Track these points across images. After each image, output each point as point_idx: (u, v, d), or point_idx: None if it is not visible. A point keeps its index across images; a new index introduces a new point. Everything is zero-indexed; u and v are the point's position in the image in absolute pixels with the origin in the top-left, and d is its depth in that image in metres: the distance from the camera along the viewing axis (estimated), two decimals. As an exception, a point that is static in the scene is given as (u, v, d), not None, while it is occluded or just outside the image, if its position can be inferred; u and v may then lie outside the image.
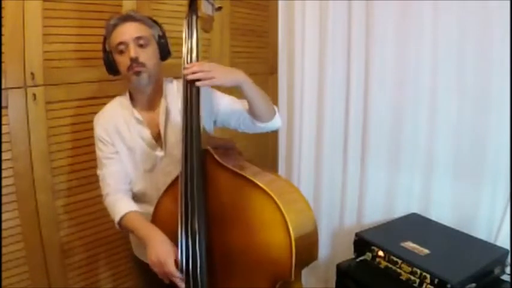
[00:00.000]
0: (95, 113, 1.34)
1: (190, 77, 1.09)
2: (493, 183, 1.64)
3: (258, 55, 2.32)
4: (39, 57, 1.42)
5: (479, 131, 1.66)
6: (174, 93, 1.32)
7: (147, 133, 1.30)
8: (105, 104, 1.36)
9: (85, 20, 1.53)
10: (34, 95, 1.42)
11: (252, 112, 1.28)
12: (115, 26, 1.23)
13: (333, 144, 2.18)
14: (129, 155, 1.31)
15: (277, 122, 1.35)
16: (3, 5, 1.32)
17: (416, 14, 1.78)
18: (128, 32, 1.22)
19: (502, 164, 1.59)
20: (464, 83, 1.68)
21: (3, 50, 1.33)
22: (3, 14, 1.32)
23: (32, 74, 1.41)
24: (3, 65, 1.34)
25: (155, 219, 1.22)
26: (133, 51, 1.20)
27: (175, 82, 1.35)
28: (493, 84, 1.60)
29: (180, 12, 1.68)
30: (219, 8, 1.20)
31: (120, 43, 1.22)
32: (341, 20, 2.05)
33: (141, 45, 1.22)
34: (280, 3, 2.32)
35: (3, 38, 1.33)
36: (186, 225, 1.10)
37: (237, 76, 1.16)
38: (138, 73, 1.22)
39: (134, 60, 1.20)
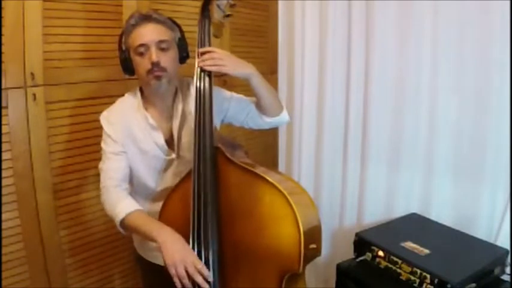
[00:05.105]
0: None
1: (201, 64, 1.13)
2: (493, 183, 1.64)
3: (258, 55, 2.32)
4: (39, 57, 1.42)
5: (479, 131, 1.66)
6: (189, 94, 1.30)
7: (161, 139, 1.27)
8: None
9: (85, 20, 1.53)
10: (34, 95, 1.42)
11: (260, 106, 1.30)
12: (135, 25, 1.18)
13: (333, 144, 2.18)
14: (141, 156, 1.27)
15: (285, 117, 1.37)
16: (3, 5, 1.32)
17: (416, 14, 1.78)
18: (150, 34, 1.17)
19: (502, 164, 1.59)
20: (464, 83, 1.68)
21: (3, 50, 1.33)
22: (3, 14, 1.32)
23: (32, 74, 1.41)
24: (3, 65, 1.34)
25: (163, 216, 1.22)
26: (155, 55, 1.16)
27: (189, 81, 1.32)
28: (493, 84, 1.60)
29: (181, 13, 1.69)
30: (229, 15, 1.20)
31: (141, 45, 1.16)
32: (341, 20, 2.05)
33: (162, 49, 1.18)
34: (280, 3, 2.31)
35: (3, 38, 1.33)
36: (199, 222, 1.10)
37: (246, 68, 1.18)
38: (158, 78, 1.18)
39: (155, 65, 1.16)
